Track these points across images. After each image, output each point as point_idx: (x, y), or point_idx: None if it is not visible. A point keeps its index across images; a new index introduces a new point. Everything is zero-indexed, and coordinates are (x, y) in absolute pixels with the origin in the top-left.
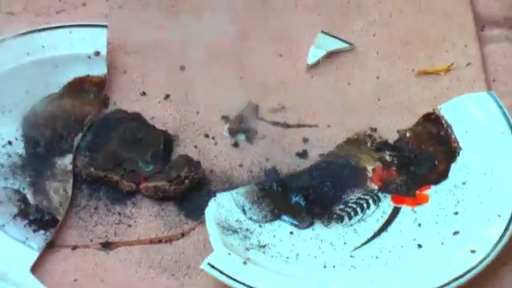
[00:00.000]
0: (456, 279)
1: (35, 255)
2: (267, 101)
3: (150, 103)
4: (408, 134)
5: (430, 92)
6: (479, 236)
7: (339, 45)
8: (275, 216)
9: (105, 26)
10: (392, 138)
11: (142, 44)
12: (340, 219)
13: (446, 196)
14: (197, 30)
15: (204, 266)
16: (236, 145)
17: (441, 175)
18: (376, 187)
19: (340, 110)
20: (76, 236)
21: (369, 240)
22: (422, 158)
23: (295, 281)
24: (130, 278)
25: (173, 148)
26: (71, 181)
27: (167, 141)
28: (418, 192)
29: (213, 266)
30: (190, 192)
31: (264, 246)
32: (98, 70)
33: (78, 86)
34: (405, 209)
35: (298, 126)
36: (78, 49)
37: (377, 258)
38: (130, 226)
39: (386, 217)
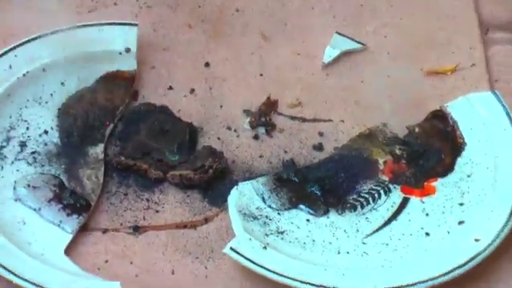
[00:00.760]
0: (461, 266)
1: (69, 238)
2: (285, 97)
3: (176, 97)
4: (417, 130)
5: (438, 91)
6: (483, 226)
7: (353, 45)
8: (293, 204)
9: (135, 25)
10: (402, 133)
11: (169, 42)
12: (353, 208)
13: (452, 188)
14: (220, 30)
15: (226, 250)
16: (256, 137)
17: (447, 168)
18: (387, 179)
19: (353, 106)
20: (107, 220)
21: (380, 228)
22: (430, 152)
23: (311, 265)
24: (157, 260)
25: (197, 139)
26: (103, 168)
27: (192, 132)
28: (425, 184)
29: (235, 251)
30: (214, 181)
31: (282, 233)
32: (128, 65)
33: (109, 81)
34: (413, 199)
35: (314, 120)
36: (110, 45)
37: (387, 245)
38: (157, 211)
39: (395, 206)
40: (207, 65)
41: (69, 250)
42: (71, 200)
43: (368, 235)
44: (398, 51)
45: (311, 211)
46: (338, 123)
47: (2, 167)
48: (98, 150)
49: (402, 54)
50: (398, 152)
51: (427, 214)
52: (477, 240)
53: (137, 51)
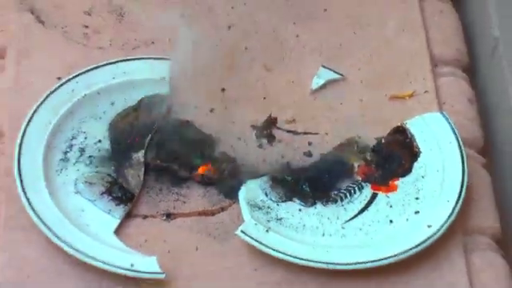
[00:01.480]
0: (417, 246)
1: (117, 222)
2: (283, 115)
3: (199, 114)
4: (383, 141)
5: (399, 111)
6: (434, 215)
7: (334, 76)
8: (288, 198)
9: (168, 59)
10: (372, 143)
11: (194, 71)
12: (335, 201)
13: (410, 186)
14: (233, 63)
15: (238, 232)
16: (260, 146)
17: (406, 171)
18: (360, 178)
19: (335, 122)
20: (146, 209)
21: (355, 216)
22: (393, 158)
23: (302, 244)
24: (184, 240)
25: (215, 147)
26: (143, 169)
27: (211, 142)
28: (390, 182)
29: (244, 233)
30: (228, 179)
31: (280, 219)
32: (164, 90)
33: (148, 102)
34: (380, 195)
35: (305, 133)
36: (149, 75)
37: (360, 229)
38: (184, 202)
39: (367, 200)
40: (223, 90)
41: (117, 232)
42: (119, 193)
43: (346, 221)
44: (369, 81)
45: (302, 203)
46: (323, 135)
47: (66, 168)
48: (139, 155)
49: (371, 83)
50: (368, 158)
51: (391, 206)
52: (429, 226)
53: (170, 79)
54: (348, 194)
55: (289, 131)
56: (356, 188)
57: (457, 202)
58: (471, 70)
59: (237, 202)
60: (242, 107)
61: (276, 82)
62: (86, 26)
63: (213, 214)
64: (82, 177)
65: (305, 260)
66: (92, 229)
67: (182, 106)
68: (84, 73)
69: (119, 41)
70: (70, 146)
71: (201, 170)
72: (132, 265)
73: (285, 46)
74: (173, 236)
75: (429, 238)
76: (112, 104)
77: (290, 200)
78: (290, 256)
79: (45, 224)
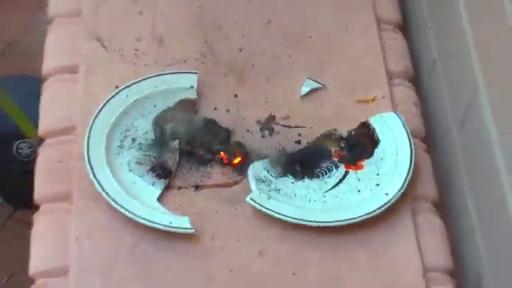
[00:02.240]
0: (379, 208)
1: (159, 192)
2: (280, 114)
3: (219, 114)
4: (353, 133)
5: (364, 111)
6: (390, 186)
7: (317, 85)
8: (283, 174)
9: (195, 73)
10: (345, 134)
11: (214, 82)
12: (317, 176)
13: (372, 165)
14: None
15: (247, 199)
16: (263, 136)
17: (369, 154)
18: (336, 160)
19: (317, 119)
20: (180, 182)
21: (332, 187)
22: (360, 145)
23: (295, 208)
24: (208, 205)
25: (231, 138)
26: (178, 153)
27: (228, 134)
28: (358, 163)
29: (252, 200)
30: (240, 160)
31: (278, 190)
32: (192, 95)
33: (181, 105)
34: (351, 172)
35: (296, 127)
36: (182, 84)
37: (336, 197)
38: (208, 177)
39: (341, 175)
40: (236, 96)
41: (159, 199)
42: (160, 171)
43: (326, 191)
44: (343, 89)
45: (294, 178)
46: (309, 129)
47: (122, 152)
48: (175, 143)
49: (345, 91)
50: (342, 145)
51: (359, 180)
52: (386, 194)
53: (197, 87)
54: (327, 171)
55: (284, 126)
56: (333, 167)
57: (406, 176)
58: (416, 81)
59: (246, 178)
60: (250, 108)
61: (274, 90)
62: (136, 50)
63: (229, 186)
64: (134, 159)
65: (296, 219)
66: (141, 197)
67: (205, 107)
68: (134, 83)
69: (160, 60)
70: (125, 137)
71: (220, 154)
72: (170, 222)
73: (281, 64)
74: (200, 202)
75: (386, 203)
76: (155, 106)
77: (285, 176)
78: (286, 216)
79: (107, 194)
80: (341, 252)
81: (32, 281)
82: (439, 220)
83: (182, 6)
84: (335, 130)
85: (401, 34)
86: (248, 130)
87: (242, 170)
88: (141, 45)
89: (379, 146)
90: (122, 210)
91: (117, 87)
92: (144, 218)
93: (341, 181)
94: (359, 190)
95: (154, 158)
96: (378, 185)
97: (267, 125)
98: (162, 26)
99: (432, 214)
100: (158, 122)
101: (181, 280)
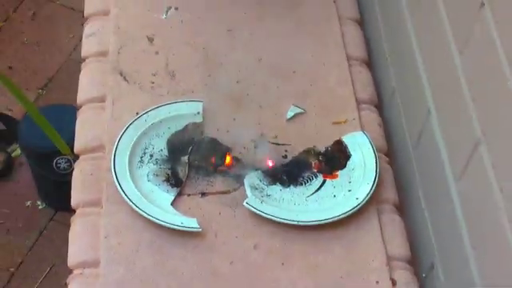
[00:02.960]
0: (351, 209)
1: (172, 198)
2: (270, 134)
3: (220, 134)
4: (329, 149)
5: (338, 131)
6: (360, 192)
7: (299, 110)
8: (273, 182)
9: (201, 101)
10: (322, 150)
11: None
12: (301, 184)
13: (345, 175)
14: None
15: (244, 203)
16: (256, 152)
17: (343, 166)
18: (315, 171)
19: (301, 137)
20: (189, 190)
21: (312, 193)
22: (335, 158)
23: (283, 210)
24: (211, 208)
25: (230, 153)
26: (187, 167)
27: (228, 150)
28: (333, 173)
29: (248, 204)
30: (238, 172)
31: (269, 195)
32: (199, 119)
33: (189, 127)
34: (328, 181)
35: (283, 144)
36: (190, 110)
37: (316, 201)
38: (212, 186)
39: (320, 184)
40: (234, 119)
41: (172, 204)
42: (173, 181)
43: (308, 196)
44: (320, 113)
45: (281, 186)
46: (293, 145)
47: (142, 166)
48: (185, 158)
49: (322, 115)
50: (320, 159)
51: (334, 187)
52: (357, 198)
53: (203, 112)
54: (309, 180)
55: (273, 143)
56: (313, 176)
57: (373, 184)
58: (380, 106)
59: (243, 186)
60: (246, 129)
61: (266, 114)
62: (153, 82)
63: (229, 192)
64: (152, 171)
65: (284, 219)
66: (157, 202)
67: (209, 129)
68: (152, 110)
69: (172, 91)
70: (144, 153)
71: (222, 167)
72: (182, 223)
73: (271, 93)
74: (205, 206)
75: (356, 206)
76: (169, 128)
77: (275, 184)
78: (275, 217)
79: (130, 199)
80: (320, 245)
81: (70, 271)
82: (399, 218)
83: (190, 47)
84: (315, 146)
85: (366, 68)
86: (244, 147)
87: (239, 179)
88: (156, 78)
89: (351, 159)
90: (142, 213)
91: (137, 113)
92: (160, 219)
93: (319, 188)
94: (335, 195)
95: (168, 170)
96: (349, 191)
97: (260, 143)
98: (173, 63)
99: (393, 213)
100: (171, 142)
101: (191, 269)
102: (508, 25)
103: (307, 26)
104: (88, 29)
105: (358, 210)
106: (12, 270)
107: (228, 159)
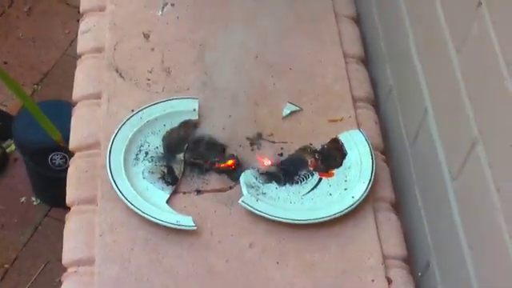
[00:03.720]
0: (346, 208)
1: (167, 196)
2: (266, 132)
3: (216, 131)
4: (325, 147)
5: (334, 129)
6: (356, 190)
7: (295, 108)
8: (269, 181)
9: (197, 98)
10: (319, 148)
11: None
12: (296, 182)
13: (341, 173)
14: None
15: (240, 201)
16: (252, 150)
17: (339, 164)
18: (312, 169)
19: (296, 136)
20: (184, 187)
21: (308, 192)
22: (331, 157)
23: (277, 208)
24: (207, 206)
25: (226, 151)
26: (183, 164)
27: (223, 148)
28: (329, 171)
29: (243, 202)
30: (234, 170)
31: (264, 194)
32: (194, 117)
33: (185, 124)
34: (324, 179)
35: (279, 142)
36: (186, 107)
37: (312, 199)
38: (207, 184)
39: (315, 182)
40: (230, 116)
41: (168, 202)
42: (168, 178)
43: (304, 195)
44: (317, 111)
45: (277, 184)
46: (289, 143)
47: (137, 163)
48: (180, 156)
49: (318, 112)
50: (316, 157)
51: (330, 185)
52: (353, 197)
53: (198, 109)
54: (304, 178)
55: (270, 141)
56: (309, 175)
57: (369, 182)
58: (376, 104)
59: (239, 184)
60: (241, 127)
61: (262, 112)
62: (148, 79)
63: (225, 190)
64: (147, 169)
65: (279, 218)
66: (152, 200)
67: (205, 126)
68: (147, 107)
69: (168, 88)
70: (139, 151)
71: (217, 165)
72: (177, 221)
73: (267, 91)
74: (201, 204)
75: (352, 205)
76: (164, 125)
77: (270, 182)
78: (271, 215)
79: (125, 197)
80: (315, 244)
81: (64, 269)
82: (395, 217)
83: (186, 43)
84: (311, 144)
85: (363, 66)
86: (240, 145)
87: (235, 177)
88: (152, 75)
89: (347, 157)
90: (138, 211)
91: (132, 110)
92: (155, 217)
93: (315, 186)
94: (330, 194)
95: (164, 168)
96: (345, 189)
97: (255, 140)
98: (169, 60)
99: (389, 212)
100: (167, 139)
101: (186, 267)
102: (505, 24)
103: (304, 23)
104: (84, 25)
105: (354, 209)
106: (6, 266)
107: (224, 157)
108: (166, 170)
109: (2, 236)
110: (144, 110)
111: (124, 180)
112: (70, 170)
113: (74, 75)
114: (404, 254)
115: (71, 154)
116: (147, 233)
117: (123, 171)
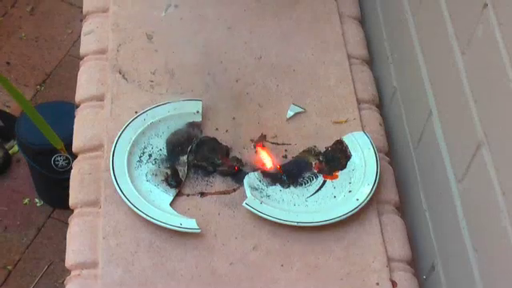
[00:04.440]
0: (351, 211)
1: (171, 198)
2: (270, 133)
3: (219, 134)
4: (329, 149)
5: (339, 131)
6: (360, 192)
7: (299, 109)
8: (273, 183)
9: (201, 100)
10: (323, 150)
11: (216, 108)
12: (301, 184)
13: (345, 175)
14: (239, 102)
15: (243, 204)
16: (256, 152)
17: (343, 166)
18: (316, 171)
19: (300, 137)
20: (188, 190)
21: (313, 194)
22: (335, 159)
23: (283, 210)
24: (211, 208)
25: (230, 153)
26: (186, 167)
27: (227, 150)
28: (333, 173)
29: (247, 204)
30: (237, 172)
31: (269, 196)
32: (198, 119)
33: (188, 126)
34: (328, 181)
35: (283, 144)
36: (190, 109)
37: (316, 201)
38: (211, 186)
39: (320, 184)
40: (233, 118)
41: (171, 204)
42: (172, 181)
43: (308, 197)
44: (321, 112)
45: (281, 186)
46: (293, 145)
47: (141, 166)
48: (184, 158)
49: (322, 114)
50: (321, 159)
51: (334, 187)
52: (357, 199)
53: (202, 111)
54: (309, 181)
55: (273, 143)
56: (313, 177)
57: (373, 184)
58: (380, 106)
59: (242, 186)
60: (245, 129)
61: (265, 113)
62: (152, 81)
63: (229, 193)
64: (150, 171)
65: (283, 220)
66: (156, 202)
67: (209, 128)
68: (151, 109)
69: (171, 89)
70: (143, 153)
71: (221, 167)
72: (181, 224)
73: (270, 92)
74: (204, 206)
75: (356, 207)
76: (168, 127)
77: (274, 184)
78: (275, 218)
79: (129, 200)
80: (320, 247)
81: (67, 271)
82: (400, 219)
83: (190, 45)
84: (315, 146)
85: (367, 67)
86: (244, 147)
87: (238, 179)
88: (156, 77)
89: (351, 159)
90: (141, 213)
91: (136, 112)
92: (159, 220)
93: (320, 188)
94: (335, 196)
95: (167, 170)
96: (350, 191)
97: (259, 143)
98: (173, 61)
99: (394, 214)
100: (170, 141)
101: (190, 270)
102: (511, 26)
103: (307, 24)
104: (87, 26)
105: (359, 211)
106: (9, 267)
107: (227, 159)
108: (169, 173)
109: (5, 237)
110: (147, 112)
111: (127, 182)
112: (73, 172)
113: (77, 75)
114: (409, 256)
115: (74, 156)
116: (151, 235)
117: (127, 173)
